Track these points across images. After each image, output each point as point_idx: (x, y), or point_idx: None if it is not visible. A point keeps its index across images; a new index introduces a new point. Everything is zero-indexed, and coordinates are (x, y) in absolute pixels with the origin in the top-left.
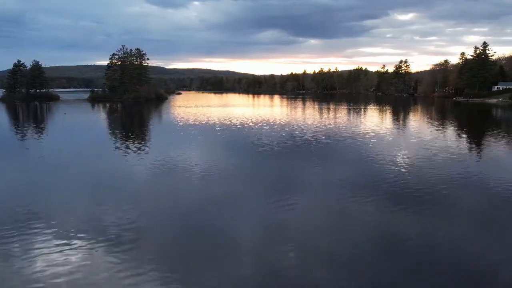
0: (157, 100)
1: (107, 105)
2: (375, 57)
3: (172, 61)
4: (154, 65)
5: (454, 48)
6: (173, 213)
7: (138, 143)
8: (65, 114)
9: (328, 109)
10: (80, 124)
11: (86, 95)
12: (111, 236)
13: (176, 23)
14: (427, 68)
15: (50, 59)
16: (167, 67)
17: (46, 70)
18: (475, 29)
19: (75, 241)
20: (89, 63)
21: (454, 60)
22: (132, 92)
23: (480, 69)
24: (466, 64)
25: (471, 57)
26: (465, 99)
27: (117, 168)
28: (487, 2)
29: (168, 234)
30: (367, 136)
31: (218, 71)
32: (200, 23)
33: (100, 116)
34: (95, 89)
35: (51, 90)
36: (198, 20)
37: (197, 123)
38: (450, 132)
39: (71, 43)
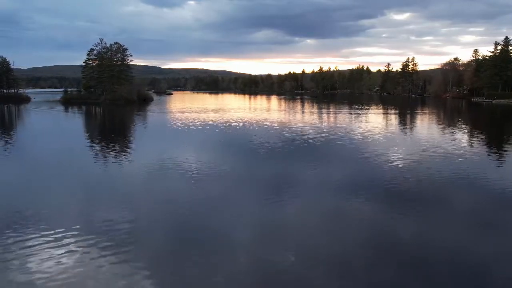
0: (140, 101)
1: (76, 108)
2: (371, 57)
3: (168, 61)
4: (150, 64)
5: (450, 48)
6: (169, 214)
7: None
8: None
9: (335, 113)
10: None
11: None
12: (106, 238)
13: (171, 22)
14: (425, 68)
15: (45, 59)
16: (162, 67)
17: (40, 69)
18: (471, 29)
19: (69, 244)
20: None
21: (463, 58)
22: (110, 92)
23: (503, 67)
24: (484, 62)
25: (491, 54)
26: (488, 100)
27: None
28: (483, 2)
29: (163, 235)
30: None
31: (214, 71)
32: (195, 23)
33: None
34: (69, 89)
35: (21, 91)
36: (193, 20)
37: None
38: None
39: (66, 43)
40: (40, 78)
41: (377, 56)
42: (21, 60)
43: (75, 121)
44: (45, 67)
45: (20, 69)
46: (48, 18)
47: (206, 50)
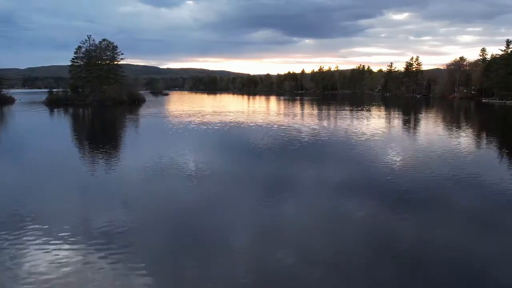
0: (131, 103)
1: (59, 110)
2: (370, 57)
3: (166, 61)
4: (148, 64)
5: (448, 48)
6: (168, 215)
7: None
8: None
9: (342, 115)
10: None
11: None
12: (104, 239)
13: (170, 22)
14: (423, 68)
15: (43, 59)
16: (161, 67)
17: (37, 69)
18: (470, 29)
19: (68, 244)
20: None
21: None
22: (99, 93)
23: None
24: (495, 61)
25: (503, 53)
26: (500, 101)
27: None
28: (482, 2)
29: (162, 236)
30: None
31: (212, 71)
32: (193, 23)
33: None
34: (54, 90)
35: (4, 91)
36: (192, 20)
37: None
38: None
39: (64, 43)
40: (37, 78)
41: (376, 56)
42: (19, 60)
43: (39, 128)
44: (43, 67)
45: (17, 69)
46: (47, 18)
47: (205, 50)
